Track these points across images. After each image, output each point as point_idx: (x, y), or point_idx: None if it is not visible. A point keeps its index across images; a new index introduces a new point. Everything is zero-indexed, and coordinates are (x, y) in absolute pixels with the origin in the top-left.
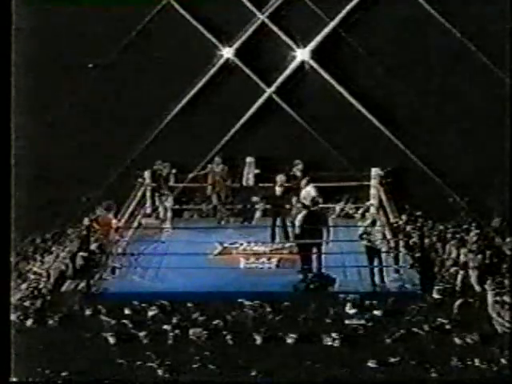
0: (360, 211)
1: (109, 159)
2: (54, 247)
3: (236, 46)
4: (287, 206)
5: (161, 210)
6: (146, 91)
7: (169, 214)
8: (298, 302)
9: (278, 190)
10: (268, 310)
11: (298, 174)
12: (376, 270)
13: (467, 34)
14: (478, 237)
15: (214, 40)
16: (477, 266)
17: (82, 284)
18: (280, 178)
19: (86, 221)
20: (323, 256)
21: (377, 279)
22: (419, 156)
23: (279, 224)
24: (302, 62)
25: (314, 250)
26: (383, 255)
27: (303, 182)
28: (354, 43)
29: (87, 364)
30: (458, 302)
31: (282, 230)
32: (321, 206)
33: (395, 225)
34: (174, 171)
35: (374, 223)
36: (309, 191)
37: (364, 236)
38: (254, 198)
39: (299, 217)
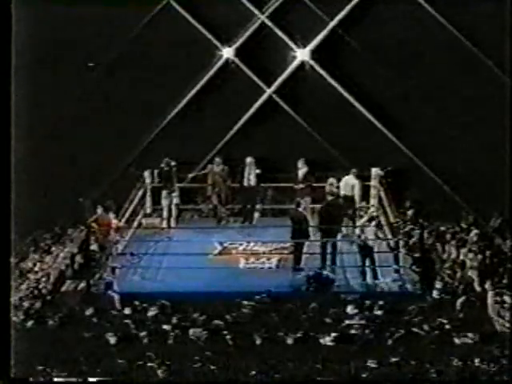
0: (360, 212)
1: (109, 159)
2: (53, 247)
3: (236, 46)
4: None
5: (164, 208)
6: (146, 91)
7: (174, 212)
8: (298, 301)
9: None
10: (268, 309)
11: (301, 175)
12: (368, 268)
13: (467, 34)
14: (478, 237)
15: (214, 40)
16: (477, 265)
17: (82, 284)
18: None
19: (86, 221)
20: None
21: (369, 277)
22: (419, 156)
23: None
24: (302, 62)
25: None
26: (381, 255)
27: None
28: (354, 43)
29: (87, 364)
30: (460, 300)
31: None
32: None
33: (395, 225)
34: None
35: (370, 221)
36: (347, 180)
37: (360, 236)
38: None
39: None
